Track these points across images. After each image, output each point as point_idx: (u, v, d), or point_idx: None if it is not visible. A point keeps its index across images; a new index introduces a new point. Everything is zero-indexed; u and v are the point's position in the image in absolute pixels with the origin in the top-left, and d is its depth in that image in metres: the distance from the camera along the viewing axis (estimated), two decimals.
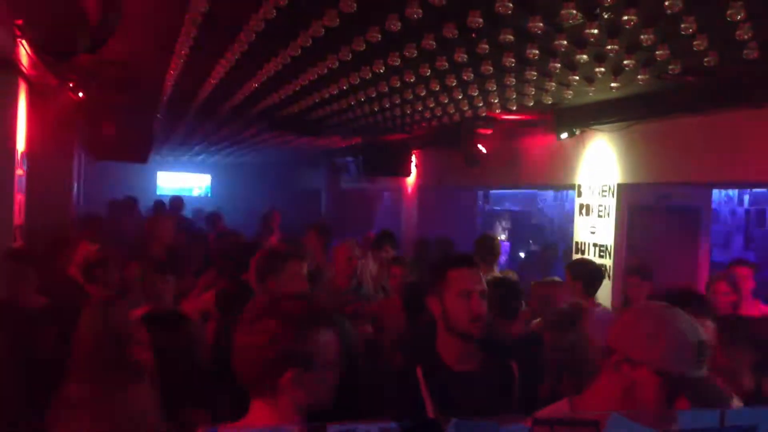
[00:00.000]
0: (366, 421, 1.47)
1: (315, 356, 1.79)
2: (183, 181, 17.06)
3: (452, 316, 2.41)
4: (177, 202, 10.93)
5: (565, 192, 10.61)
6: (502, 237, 11.82)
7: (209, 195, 17.12)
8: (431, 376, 2.39)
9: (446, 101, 5.94)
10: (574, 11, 3.26)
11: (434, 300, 2.46)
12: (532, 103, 5.77)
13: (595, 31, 3.53)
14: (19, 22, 3.84)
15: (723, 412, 1.57)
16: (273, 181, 15.99)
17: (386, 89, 5.44)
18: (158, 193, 15.28)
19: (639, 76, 4.60)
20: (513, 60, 4.25)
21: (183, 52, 4.51)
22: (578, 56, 4.12)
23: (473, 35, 3.74)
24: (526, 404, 2.46)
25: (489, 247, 5.95)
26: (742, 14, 3.13)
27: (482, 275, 2.51)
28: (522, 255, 11.09)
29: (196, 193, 17.04)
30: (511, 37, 3.73)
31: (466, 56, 4.21)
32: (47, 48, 3.27)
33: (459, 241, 8.32)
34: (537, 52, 4.03)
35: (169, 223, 7.04)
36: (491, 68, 4.51)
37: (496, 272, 5.82)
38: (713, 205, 7.92)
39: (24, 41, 4.29)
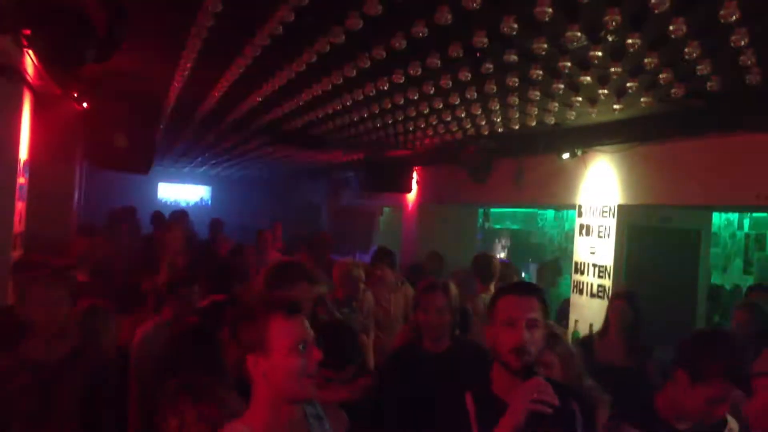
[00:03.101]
0: None
1: (267, 342, 1.88)
2: (183, 192, 17.07)
3: (497, 346, 2.28)
4: (180, 214, 10.87)
5: (565, 211, 10.60)
6: (502, 255, 11.78)
7: (209, 206, 17.12)
8: (481, 404, 2.28)
9: (449, 119, 5.95)
10: (579, 33, 3.28)
11: (489, 329, 2.35)
12: (534, 123, 5.78)
13: (599, 53, 3.56)
14: (27, 32, 3.85)
15: None
16: (273, 195, 15.99)
17: (389, 106, 5.45)
18: (159, 203, 15.26)
19: (642, 99, 4.62)
20: (517, 80, 4.27)
21: (188, 64, 4.53)
22: (582, 78, 4.14)
23: (478, 55, 3.76)
24: None
25: (486, 266, 5.82)
26: (746, 40, 3.15)
27: (531, 305, 2.29)
28: (523, 274, 10.99)
29: (195, 203, 17.04)
30: (516, 58, 3.75)
31: (470, 75, 4.23)
32: (54, 59, 3.28)
33: (459, 259, 8.28)
34: (541, 72, 4.05)
35: (180, 233, 7.06)
36: (495, 87, 4.53)
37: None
38: (713, 229, 7.91)
39: (30, 51, 4.30)
